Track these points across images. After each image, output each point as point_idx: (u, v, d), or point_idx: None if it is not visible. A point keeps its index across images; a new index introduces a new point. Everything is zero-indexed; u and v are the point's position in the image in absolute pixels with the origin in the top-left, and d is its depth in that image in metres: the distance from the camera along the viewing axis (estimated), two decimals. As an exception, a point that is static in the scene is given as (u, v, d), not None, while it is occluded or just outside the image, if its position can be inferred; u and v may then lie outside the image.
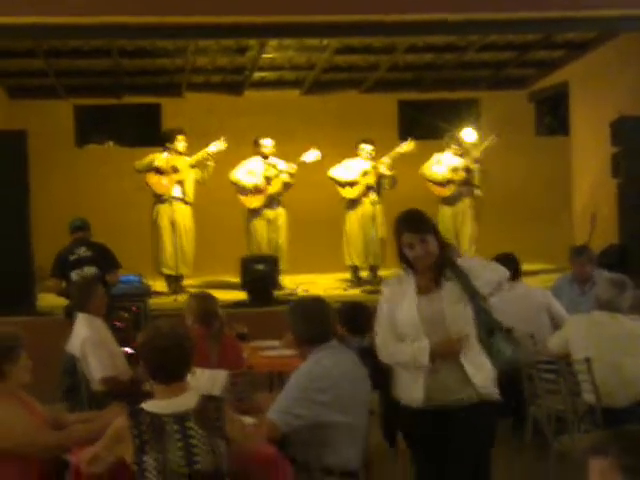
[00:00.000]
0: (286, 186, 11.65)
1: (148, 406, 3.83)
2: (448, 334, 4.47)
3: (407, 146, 11.69)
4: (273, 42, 11.97)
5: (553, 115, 15.97)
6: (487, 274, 4.64)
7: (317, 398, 4.51)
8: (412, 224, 4.56)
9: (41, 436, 4.34)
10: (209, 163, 11.33)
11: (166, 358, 3.89)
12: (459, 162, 11.86)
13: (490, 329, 4.49)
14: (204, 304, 6.37)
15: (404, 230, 4.54)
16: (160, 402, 3.85)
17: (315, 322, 4.75)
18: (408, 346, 4.51)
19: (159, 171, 11.25)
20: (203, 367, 5.44)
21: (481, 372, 4.50)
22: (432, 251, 4.50)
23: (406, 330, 4.55)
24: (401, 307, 4.59)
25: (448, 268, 4.56)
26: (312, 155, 11.44)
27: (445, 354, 4.46)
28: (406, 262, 4.60)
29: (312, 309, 4.87)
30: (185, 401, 3.86)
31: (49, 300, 9.84)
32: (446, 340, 4.48)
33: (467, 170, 11.76)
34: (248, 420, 4.57)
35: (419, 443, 4.74)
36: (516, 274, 7.70)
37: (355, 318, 6.75)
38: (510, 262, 7.71)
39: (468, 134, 12.05)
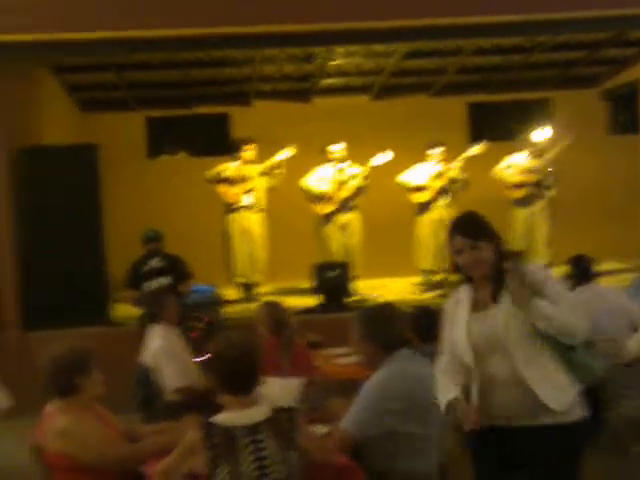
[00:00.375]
0: (359, 190, 11.62)
1: (220, 418, 3.83)
2: (511, 357, 4.00)
3: (479, 148, 11.58)
4: (340, 49, 11.95)
5: (626, 113, 15.71)
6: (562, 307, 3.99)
7: (390, 407, 4.48)
8: (463, 228, 4.16)
9: (115, 449, 4.38)
10: (278, 171, 11.36)
11: (236, 370, 3.89)
12: (533, 164, 11.72)
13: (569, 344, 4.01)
14: (274, 313, 6.38)
15: (454, 234, 4.17)
16: (232, 414, 3.85)
17: (386, 329, 4.69)
18: (440, 391, 4.20)
19: (229, 181, 11.32)
20: (275, 376, 5.45)
21: (561, 394, 4.01)
22: (484, 259, 4.08)
23: (459, 354, 4.17)
24: (456, 326, 4.22)
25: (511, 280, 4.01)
26: (384, 157, 11.40)
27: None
28: (463, 273, 4.22)
29: (383, 315, 4.82)
30: (257, 413, 3.85)
31: (124, 310, 9.96)
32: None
33: (541, 172, 11.61)
34: (321, 430, 4.56)
35: (482, 460, 4.32)
36: (588, 276, 7.60)
37: (427, 324, 6.70)
38: (586, 263, 7.64)
39: (541, 134, 11.90)
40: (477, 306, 4.16)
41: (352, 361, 6.80)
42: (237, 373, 3.89)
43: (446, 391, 4.13)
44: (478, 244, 4.09)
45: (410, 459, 4.53)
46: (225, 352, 3.92)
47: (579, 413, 4.07)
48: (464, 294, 4.23)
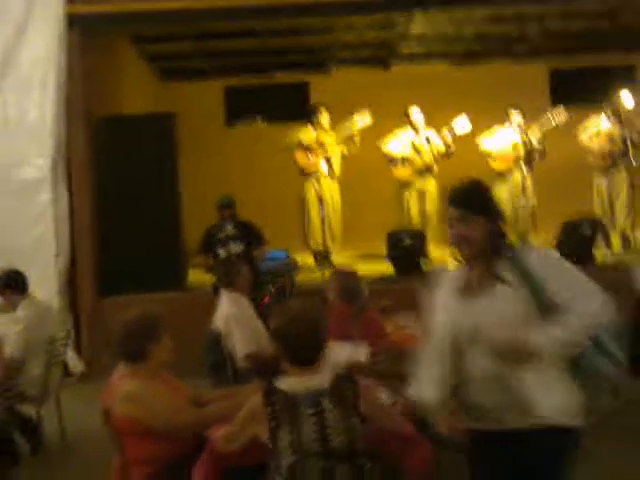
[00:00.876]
0: (444, 156, 11.52)
1: (283, 385, 3.82)
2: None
3: (557, 114, 11.34)
4: (420, 15, 11.80)
5: None
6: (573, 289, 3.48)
7: None
8: (456, 196, 3.67)
9: (182, 414, 4.41)
10: (356, 139, 11.31)
11: (297, 343, 3.85)
12: (617, 131, 11.45)
13: None
14: (346, 281, 6.32)
15: (448, 203, 3.70)
16: (294, 381, 3.84)
17: None
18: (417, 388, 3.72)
19: (306, 148, 11.32)
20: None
21: (553, 396, 3.51)
22: (471, 236, 3.57)
23: (440, 345, 3.66)
24: (441, 312, 3.71)
25: (505, 264, 3.54)
26: (463, 123, 11.26)
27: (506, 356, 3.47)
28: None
29: None
30: (319, 380, 3.83)
31: (199, 276, 10.04)
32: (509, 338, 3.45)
33: (625, 140, 11.33)
34: (387, 399, 4.53)
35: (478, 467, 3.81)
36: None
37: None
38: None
39: (627, 99, 11.60)
40: (466, 291, 3.65)
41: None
42: (299, 347, 3.86)
43: (424, 389, 3.67)
44: (469, 217, 3.58)
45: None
46: (287, 325, 3.89)
47: (574, 419, 3.54)
48: (457, 275, 3.72)
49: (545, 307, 3.46)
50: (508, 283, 3.50)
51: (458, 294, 3.65)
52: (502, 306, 3.50)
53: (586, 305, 3.44)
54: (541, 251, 3.66)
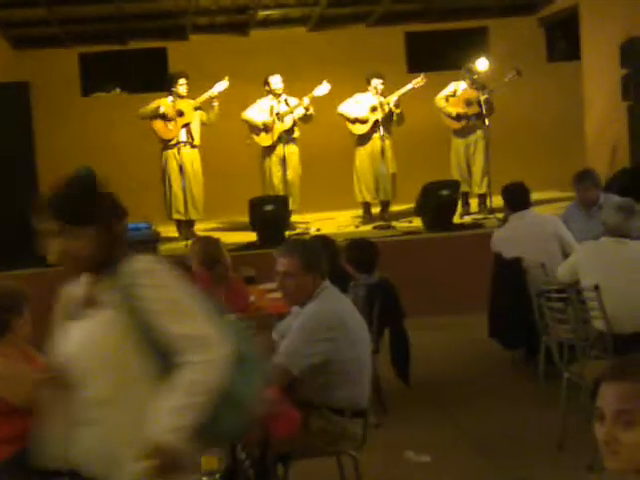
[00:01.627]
0: (303, 119, 11.52)
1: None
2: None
3: (417, 82, 11.52)
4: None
5: (565, 40, 15.71)
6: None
7: (327, 336, 4.51)
8: (51, 205, 2.99)
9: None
10: (214, 104, 11.23)
11: None
12: (472, 95, 11.68)
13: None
14: (207, 247, 6.35)
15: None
16: None
17: (322, 259, 4.73)
18: None
19: (164, 117, 11.19)
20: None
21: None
22: (74, 251, 2.94)
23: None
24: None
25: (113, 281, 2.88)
26: (323, 89, 11.32)
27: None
28: None
29: (318, 246, 4.97)
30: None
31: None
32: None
33: (480, 103, 11.57)
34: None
35: None
36: (526, 203, 7.67)
37: (363, 255, 6.76)
38: (520, 191, 7.70)
39: (482, 64, 11.85)
40: (74, 312, 3.02)
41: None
42: None
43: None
44: (70, 230, 2.91)
45: (346, 389, 4.56)
46: None
47: None
48: (75, 289, 3.07)
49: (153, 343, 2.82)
50: (107, 306, 2.87)
51: (68, 315, 3.04)
52: (90, 334, 2.90)
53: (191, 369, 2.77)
54: (154, 269, 2.92)
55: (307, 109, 11.38)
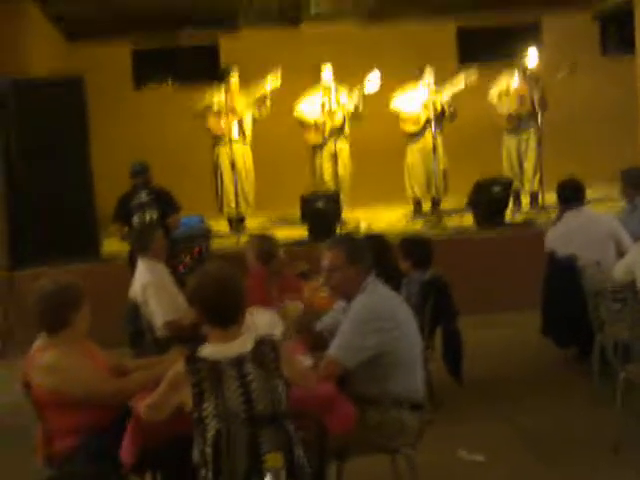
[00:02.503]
0: (354, 117, 11.52)
1: (204, 352, 3.83)
2: None
3: (470, 77, 11.42)
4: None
5: (619, 34, 15.53)
6: None
7: (378, 326, 4.51)
8: None
9: (103, 384, 4.40)
10: (267, 102, 11.26)
11: (217, 304, 3.87)
12: (526, 90, 11.56)
13: None
14: (262, 244, 6.43)
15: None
16: (216, 347, 3.85)
17: (367, 254, 4.75)
18: None
19: (217, 112, 11.23)
20: (263, 306, 5.46)
21: None
22: None
23: None
24: None
25: None
26: (374, 80, 11.24)
27: None
28: None
29: (362, 241, 5.06)
30: (241, 344, 3.84)
31: (114, 246, 9.93)
32: None
33: (533, 101, 11.46)
34: (307, 361, 4.58)
35: None
36: (581, 199, 7.59)
37: (418, 252, 6.74)
38: (576, 187, 7.62)
39: (532, 56, 11.73)
40: None
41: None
42: (218, 307, 3.88)
43: None
44: None
45: (401, 381, 4.56)
46: (205, 287, 3.91)
47: None
48: None
49: None
50: None
51: None
52: None
53: None
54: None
55: (357, 108, 11.36)
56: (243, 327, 4.01)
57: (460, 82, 11.43)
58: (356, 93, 11.32)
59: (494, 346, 8.49)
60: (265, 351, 3.85)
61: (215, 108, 11.22)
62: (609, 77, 14.13)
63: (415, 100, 11.54)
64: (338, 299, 4.97)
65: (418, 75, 11.56)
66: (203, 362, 3.78)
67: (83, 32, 13.81)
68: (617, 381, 5.79)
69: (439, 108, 11.39)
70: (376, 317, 4.54)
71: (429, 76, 11.46)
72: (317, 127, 11.47)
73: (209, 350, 3.84)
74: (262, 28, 14.15)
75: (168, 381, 3.85)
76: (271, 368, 3.81)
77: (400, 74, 11.99)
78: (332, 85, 11.52)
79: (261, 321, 5.25)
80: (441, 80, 11.55)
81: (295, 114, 11.57)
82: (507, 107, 11.64)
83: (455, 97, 11.49)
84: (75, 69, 11.23)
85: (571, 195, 7.60)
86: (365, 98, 11.36)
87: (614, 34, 15.54)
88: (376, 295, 4.64)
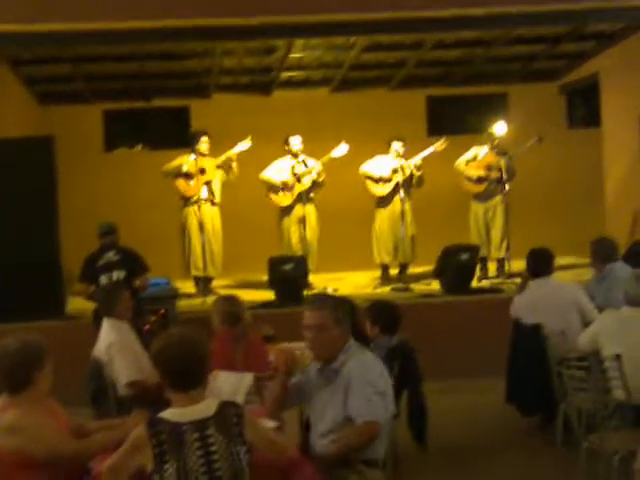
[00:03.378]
0: (317, 185, 11.63)
1: (167, 415, 3.81)
2: None
3: (438, 146, 11.57)
4: (300, 41, 11.92)
5: (585, 107, 15.81)
6: None
7: (386, 387, 4.63)
8: None
9: (65, 445, 4.34)
10: (233, 165, 11.32)
11: (180, 369, 3.86)
12: (493, 159, 11.73)
13: None
14: (228, 306, 6.38)
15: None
16: (179, 410, 3.83)
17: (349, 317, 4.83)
18: None
19: (186, 175, 11.27)
20: (228, 369, 5.44)
21: None
22: None
23: None
24: None
25: None
26: (341, 149, 11.40)
27: None
28: None
29: (348, 303, 5.13)
30: (204, 408, 3.83)
31: (78, 304, 9.88)
32: None
33: (501, 169, 11.62)
34: (270, 424, 4.55)
35: None
36: (549, 269, 7.65)
37: (385, 317, 6.74)
38: (545, 257, 7.69)
39: (500, 127, 11.93)
40: None
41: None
42: (181, 372, 3.86)
43: None
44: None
45: (381, 442, 4.61)
46: (168, 351, 3.90)
47: None
48: None
49: None
50: None
51: None
52: None
53: None
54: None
55: (319, 175, 11.46)
56: (207, 390, 3.99)
57: (429, 149, 11.55)
58: (319, 163, 11.43)
59: (459, 412, 8.47)
60: (228, 415, 3.83)
61: (184, 170, 11.26)
62: (575, 149, 14.35)
63: (384, 165, 11.64)
64: (318, 359, 4.92)
65: (388, 142, 11.66)
66: (165, 425, 3.75)
67: (55, 94, 13.86)
68: (580, 450, 5.80)
69: (407, 173, 11.47)
70: (383, 377, 4.65)
71: (398, 143, 11.57)
72: (285, 190, 11.52)
73: (171, 412, 3.82)
74: (233, 94, 14.26)
75: (129, 443, 3.82)
76: (234, 433, 3.79)
77: (369, 141, 12.12)
78: (300, 150, 11.59)
79: (225, 385, 5.24)
80: (410, 148, 11.67)
81: (261, 177, 11.62)
82: (475, 172, 11.77)
83: (424, 164, 11.60)
84: (47, 130, 11.25)
85: (540, 264, 7.67)
86: (334, 163, 11.45)
87: (580, 107, 15.82)
88: (368, 357, 4.69)
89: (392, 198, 11.62)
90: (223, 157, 11.32)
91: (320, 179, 11.56)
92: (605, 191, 13.43)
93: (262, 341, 6.82)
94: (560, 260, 10.86)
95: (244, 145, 11.28)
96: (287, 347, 5.14)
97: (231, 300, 6.63)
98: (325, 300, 4.89)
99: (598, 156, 13.60)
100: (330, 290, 11.07)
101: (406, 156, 11.59)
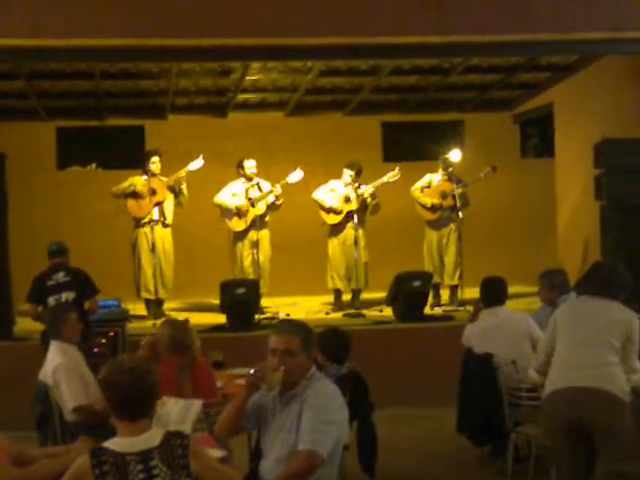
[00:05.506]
0: (274, 207, 11.58)
1: (111, 444, 3.71)
2: None
3: (393, 176, 11.55)
4: (257, 64, 11.89)
5: (539, 137, 15.96)
6: None
7: (341, 417, 4.56)
8: None
9: (4, 474, 4.22)
10: (182, 187, 11.24)
11: (128, 396, 3.75)
12: (447, 187, 11.77)
13: None
14: (175, 333, 6.21)
15: None
16: (124, 440, 3.73)
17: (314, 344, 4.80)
18: None
19: (137, 195, 11.18)
20: (176, 396, 5.35)
21: None
22: None
23: None
24: None
25: None
26: (296, 175, 11.38)
27: None
28: None
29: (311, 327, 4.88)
30: (149, 438, 3.72)
31: (26, 325, 9.71)
32: None
33: (455, 196, 11.66)
34: (216, 453, 4.48)
35: None
36: (502, 299, 7.65)
37: (335, 345, 6.67)
38: (498, 287, 7.69)
39: (455, 155, 11.99)
40: None
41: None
42: (128, 401, 3.75)
43: None
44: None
45: (328, 472, 4.52)
46: (117, 378, 3.79)
47: None
48: None
49: None
50: None
51: None
52: None
53: None
54: None
55: (277, 198, 11.41)
56: (155, 417, 3.90)
57: (382, 178, 11.53)
58: (276, 187, 11.38)
59: (409, 441, 8.44)
60: (173, 446, 3.73)
61: (136, 190, 11.16)
62: (529, 179, 14.46)
63: (337, 191, 11.62)
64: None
65: (342, 169, 11.65)
66: (109, 454, 3.65)
67: (8, 110, 13.68)
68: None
69: (360, 202, 11.45)
70: (337, 407, 4.57)
71: (349, 171, 11.55)
72: (239, 214, 11.46)
73: (116, 442, 3.72)
74: (189, 115, 14.20)
75: (72, 472, 3.71)
76: (179, 464, 3.70)
77: (323, 166, 12.12)
78: (254, 174, 11.55)
79: (173, 411, 5.14)
80: (365, 174, 11.66)
81: (214, 201, 11.55)
82: (429, 199, 11.81)
83: (378, 192, 11.58)
84: (-1, 147, 11.12)
85: (493, 294, 7.66)
86: (287, 187, 11.41)
87: (534, 137, 15.96)
88: (327, 385, 4.63)
89: (345, 225, 11.60)
90: (174, 176, 11.24)
91: (279, 202, 11.50)
92: (557, 221, 13.52)
93: (210, 367, 6.71)
94: (512, 288, 10.95)
95: (197, 163, 11.23)
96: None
97: (177, 326, 6.42)
98: (295, 325, 4.79)
99: (551, 186, 13.70)
100: (282, 315, 11.02)
101: (359, 182, 11.56)
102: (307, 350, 4.60)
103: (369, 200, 11.52)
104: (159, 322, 9.89)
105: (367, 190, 11.49)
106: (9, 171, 10.16)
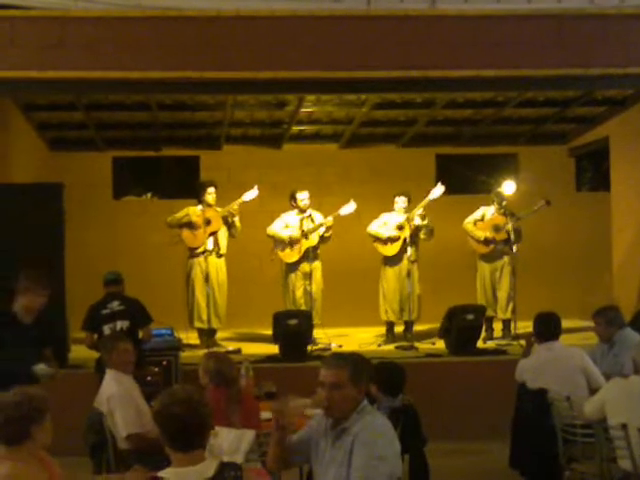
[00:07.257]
0: (323, 239, 11.62)
1: (166, 474, 3.72)
2: None
3: (437, 192, 11.53)
4: (311, 96, 11.98)
5: (594, 171, 15.85)
6: None
7: (389, 452, 4.46)
8: None
9: None
10: (235, 219, 11.32)
11: (182, 427, 3.75)
12: (501, 220, 11.72)
13: None
14: (221, 366, 6.23)
15: None
16: (179, 470, 3.73)
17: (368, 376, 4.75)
18: None
19: (192, 225, 11.27)
20: (225, 425, 5.36)
21: None
22: None
23: None
24: None
25: None
26: (349, 208, 11.43)
27: None
28: None
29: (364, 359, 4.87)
30: (204, 469, 3.73)
31: (81, 353, 9.81)
32: None
33: (508, 231, 11.60)
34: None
35: None
36: (556, 334, 7.59)
37: (390, 378, 6.66)
38: (552, 322, 7.63)
39: (509, 187, 11.94)
40: None
41: (306, 413, 6.71)
42: (181, 431, 3.74)
43: None
44: None
45: None
46: (169, 411, 3.78)
47: None
48: None
49: None
50: None
51: None
52: None
53: None
54: None
55: (327, 230, 11.45)
56: (207, 447, 3.92)
57: (427, 198, 11.51)
58: (328, 218, 11.42)
59: (461, 475, 8.37)
60: (227, 478, 3.74)
61: (191, 220, 11.26)
62: (583, 213, 14.36)
63: (390, 223, 11.63)
64: (331, 417, 4.80)
65: (393, 198, 11.67)
66: (163, 485, 3.68)
67: (66, 140, 13.92)
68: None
69: (413, 226, 11.44)
70: (388, 442, 4.49)
71: (402, 198, 11.58)
72: (292, 244, 11.51)
73: (171, 473, 3.73)
74: (243, 145, 14.32)
75: (127, 502, 3.76)
76: (234, 495, 3.72)
77: (376, 198, 12.14)
78: (307, 205, 11.60)
79: (226, 442, 5.16)
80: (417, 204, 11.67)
81: (267, 232, 11.63)
82: (482, 233, 11.76)
83: (433, 223, 11.56)
84: (57, 176, 11.28)
85: (546, 329, 7.60)
86: (341, 218, 11.45)
87: (589, 171, 15.86)
88: (378, 419, 4.58)
89: (400, 256, 11.60)
90: (228, 207, 11.33)
91: (327, 234, 11.55)
92: (613, 256, 13.39)
93: (255, 399, 6.71)
94: (565, 323, 10.86)
95: (251, 194, 11.32)
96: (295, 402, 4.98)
97: (221, 360, 6.43)
98: (344, 358, 4.78)
99: (606, 220, 13.59)
100: (334, 346, 11.02)
101: (411, 210, 11.57)
102: (356, 383, 4.55)
103: (421, 221, 11.50)
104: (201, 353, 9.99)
105: (414, 212, 11.48)
106: (67, 200, 10.32)
